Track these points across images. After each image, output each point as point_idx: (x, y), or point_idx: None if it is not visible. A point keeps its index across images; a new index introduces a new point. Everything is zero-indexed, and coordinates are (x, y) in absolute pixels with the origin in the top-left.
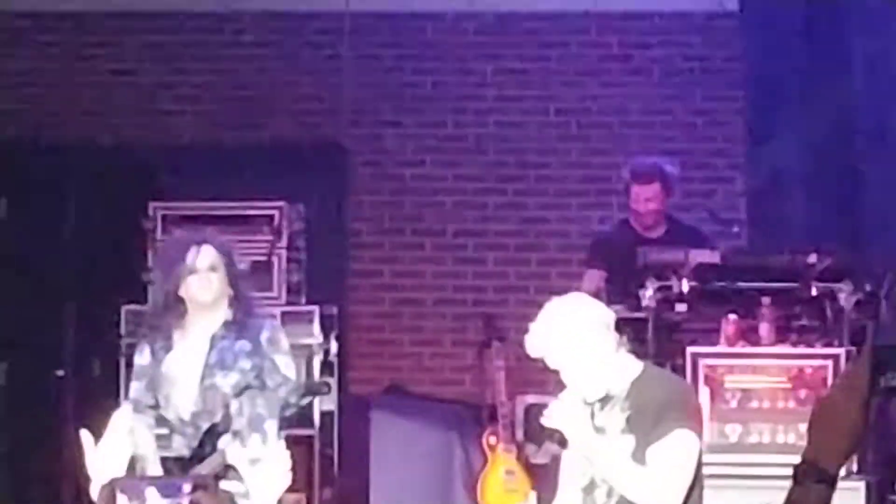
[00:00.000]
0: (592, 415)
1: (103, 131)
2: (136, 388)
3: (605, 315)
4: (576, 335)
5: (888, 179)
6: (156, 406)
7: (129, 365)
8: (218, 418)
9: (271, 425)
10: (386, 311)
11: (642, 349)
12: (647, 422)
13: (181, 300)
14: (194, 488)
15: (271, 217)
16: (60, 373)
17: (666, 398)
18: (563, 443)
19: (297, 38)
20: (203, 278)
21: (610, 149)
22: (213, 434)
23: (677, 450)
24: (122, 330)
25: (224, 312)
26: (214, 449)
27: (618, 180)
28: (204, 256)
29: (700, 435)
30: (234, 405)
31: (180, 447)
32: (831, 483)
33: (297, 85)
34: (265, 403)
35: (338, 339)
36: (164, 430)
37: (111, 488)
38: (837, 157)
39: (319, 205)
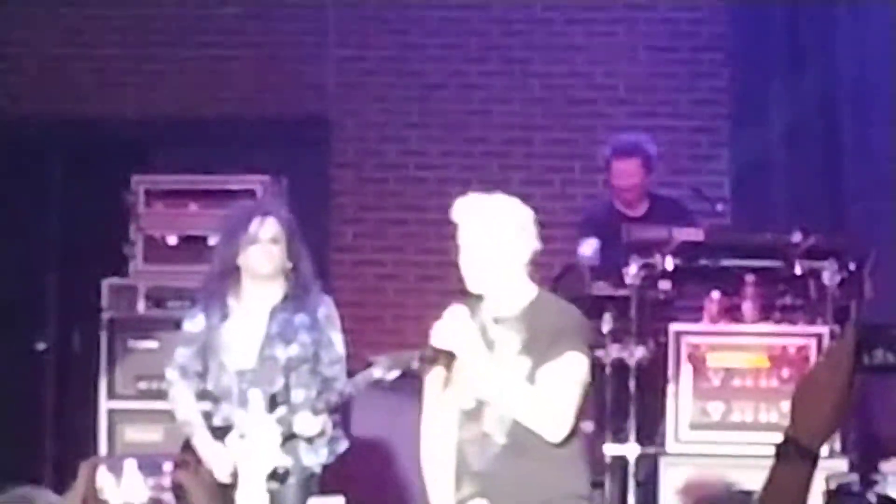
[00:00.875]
0: (485, 332)
1: (86, 104)
2: (184, 353)
3: (527, 218)
4: (502, 223)
5: (872, 159)
6: (202, 374)
7: (110, 339)
8: (276, 389)
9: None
10: (368, 286)
11: (626, 326)
12: (542, 345)
13: (238, 269)
14: (175, 466)
15: (254, 191)
16: (41, 346)
17: (562, 323)
18: (448, 366)
19: (281, 11)
20: (265, 249)
21: (594, 126)
22: (270, 406)
23: (571, 371)
24: (104, 303)
25: (282, 286)
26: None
27: (602, 158)
28: (267, 228)
29: (590, 358)
30: (291, 377)
31: (228, 416)
32: (814, 461)
33: (281, 59)
34: (316, 379)
35: None
36: (207, 405)
37: (93, 464)
38: (821, 136)
39: (303, 179)
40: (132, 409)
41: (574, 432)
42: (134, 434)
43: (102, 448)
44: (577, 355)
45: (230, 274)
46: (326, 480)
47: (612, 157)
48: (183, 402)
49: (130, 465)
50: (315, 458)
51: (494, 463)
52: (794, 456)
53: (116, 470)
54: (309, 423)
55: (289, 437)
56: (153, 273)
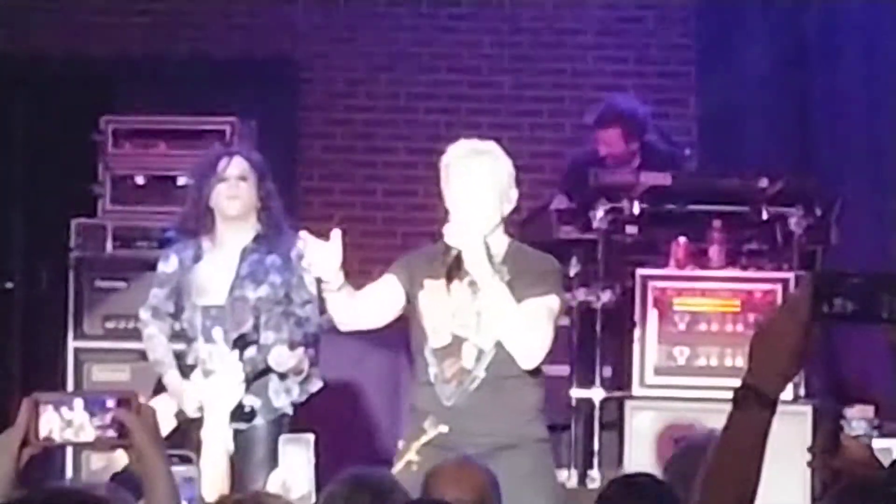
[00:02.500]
0: (468, 275)
1: (54, 42)
2: (157, 294)
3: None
4: (500, 172)
5: (840, 105)
6: (175, 315)
7: (78, 279)
8: (246, 329)
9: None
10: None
11: (592, 271)
12: (523, 285)
13: (211, 211)
14: (118, 403)
15: (223, 132)
16: (8, 285)
17: (544, 267)
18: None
19: None
20: (231, 187)
21: (564, 70)
22: (240, 344)
23: (549, 307)
24: (72, 243)
25: (253, 226)
26: (240, 359)
27: (571, 101)
28: (234, 166)
29: (563, 310)
30: (261, 318)
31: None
32: (771, 408)
33: None
34: (287, 320)
35: None
36: (181, 346)
37: (34, 401)
38: (791, 82)
39: (271, 120)
40: (99, 348)
41: (541, 380)
42: (101, 373)
43: (69, 388)
44: (555, 298)
45: (202, 215)
46: (296, 420)
47: (595, 126)
48: (156, 342)
49: (77, 402)
50: (286, 399)
51: (470, 398)
52: (752, 402)
53: (59, 403)
54: (284, 357)
55: (258, 377)
56: (121, 213)
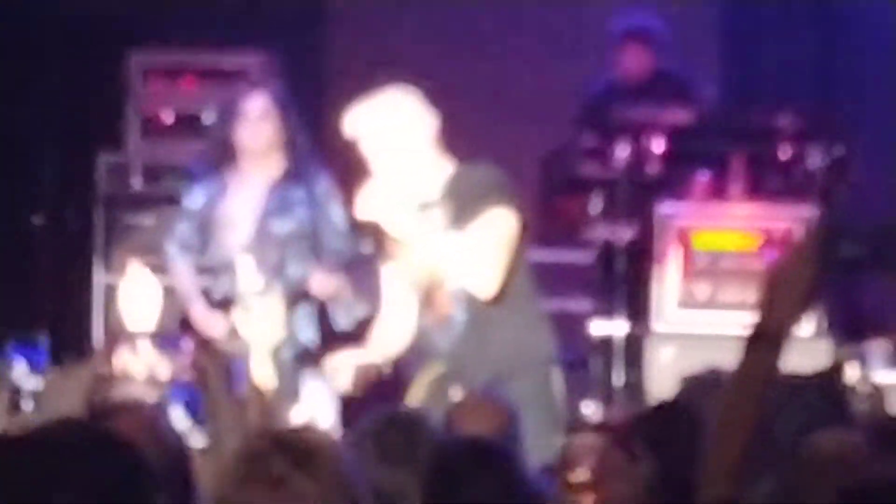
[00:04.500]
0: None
1: None
2: (183, 229)
3: (411, 102)
4: (388, 118)
5: (863, 40)
6: (202, 249)
7: (106, 215)
8: (273, 263)
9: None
10: (360, 167)
11: (614, 208)
12: (467, 213)
13: (234, 147)
14: (196, 347)
15: (250, 69)
16: (36, 221)
17: (480, 184)
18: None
19: None
20: (254, 125)
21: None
22: (268, 279)
23: (493, 226)
24: (99, 180)
25: (279, 161)
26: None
27: (594, 27)
28: (256, 103)
29: (518, 213)
30: (288, 252)
31: (227, 290)
32: (779, 349)
33: None
34: (313, 255)
35: None
36: (206, 280)
37: (112, 338)
38: (813, 18)
39: (298, 57)
40: None
41: (528, 296)
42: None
43: (99, 323)
44: (499, 212)
45: (226, 151)
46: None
47: (618, 42)
48: (182, 276)
49: (143, 342)
50: (310, 332)
51: (459, 343)
52: (760, 345)
53: (137, 345)
54: (325, 282)
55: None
56: (148, 149)
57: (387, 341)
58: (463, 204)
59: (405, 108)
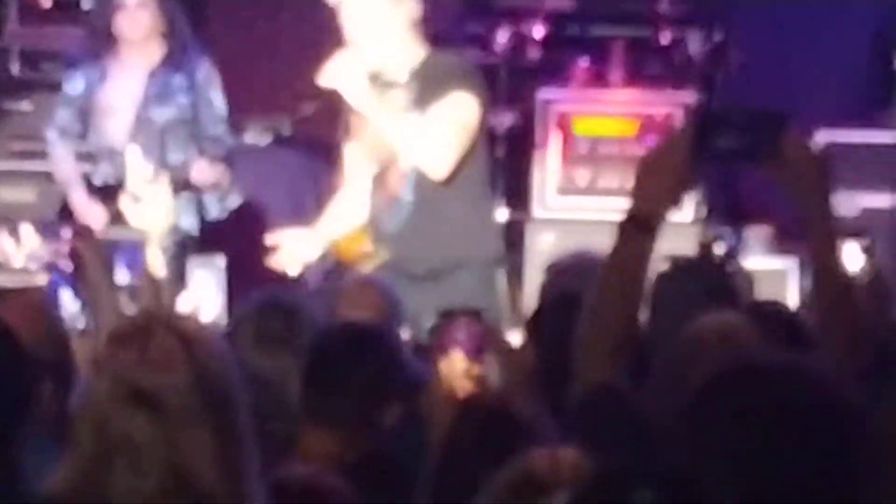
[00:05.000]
0: (375, 93)
1: None
2: (63, 115)
3: None
4: None
5: None
6: (82, 135)
7: None
8: (153, 150)
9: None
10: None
11: (494, 94)
12: (430, 96)
13: (114, 35)
14: (74, 234)
15: None
16: None
17: (448, 70)
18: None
19: None
20: (132, 13)
21: None
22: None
23: (454, 109)
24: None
25: (159, 47)
26: None
27: None
28: None
29: (482, 104)
30: (168, 138)
31: (107, 176)
32: (651, 235)
33: None
34: (194, 142)
35: None
36: (86, 166)
37: None
38: None
39: None
40: (6, 170)
41: (481, 192)
42: (7, 194)
43: None
44: (463, 96)
45: (105, 38)
46: (202, 242)
47: None
48: (62, 162)
49: (27, 228)
50: (190, 220)
51: (405, 225)
52: (633, 230)
53: (14, 232)
54: (206, 171)
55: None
56: (27, 35)
57: (340, 217)
58: (428, 86)
59: None
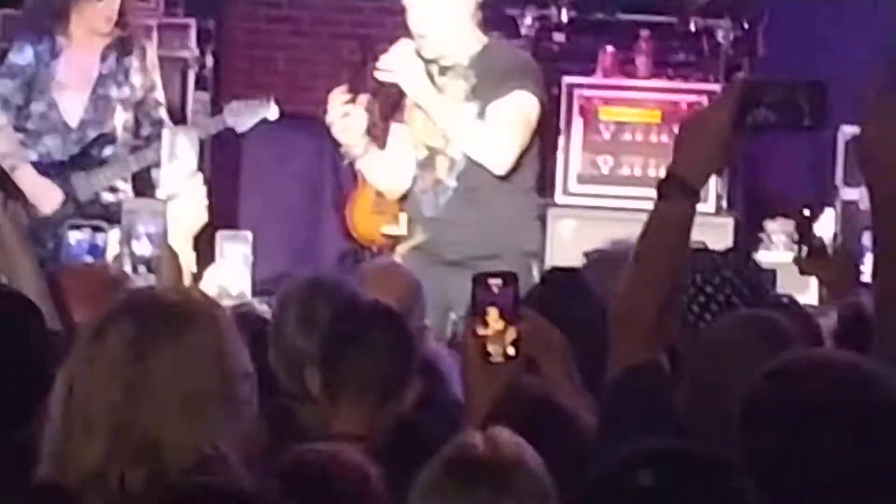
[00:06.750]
0: (432, 78)
1: None
2: (7, 85)
3: None
4: None
5: None
6: (21, 108)
7: None
8: (107, 129)
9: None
10: (262, 28)
11: None
12: (489, 88)
13: (66, 14)
14: None
15: None
16: None
17: (510, 65)
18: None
19: None
20: (109, 5)
21: None
22: (100, 144)
23: (515, 107)
24: None
25: (112, 28)
26: (100, 158)
27: None
28: None
29: (542, 102)
30: (124, 118)
31: (58, 152)
32: (694, 198)
33: None
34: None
35: (214, 54)
36: (20, 137)
37: None
38: None
39: None
40: None
41: (527, 185)
42: None
43: None
44: (524, 94)
45: (60, 14)
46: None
47: None
48: (4, 133)
49: None
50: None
51: (446, 208)
52: (676, 191)
53: None
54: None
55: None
56: None
57: (381, 174)
58: (487, 77)
59: None
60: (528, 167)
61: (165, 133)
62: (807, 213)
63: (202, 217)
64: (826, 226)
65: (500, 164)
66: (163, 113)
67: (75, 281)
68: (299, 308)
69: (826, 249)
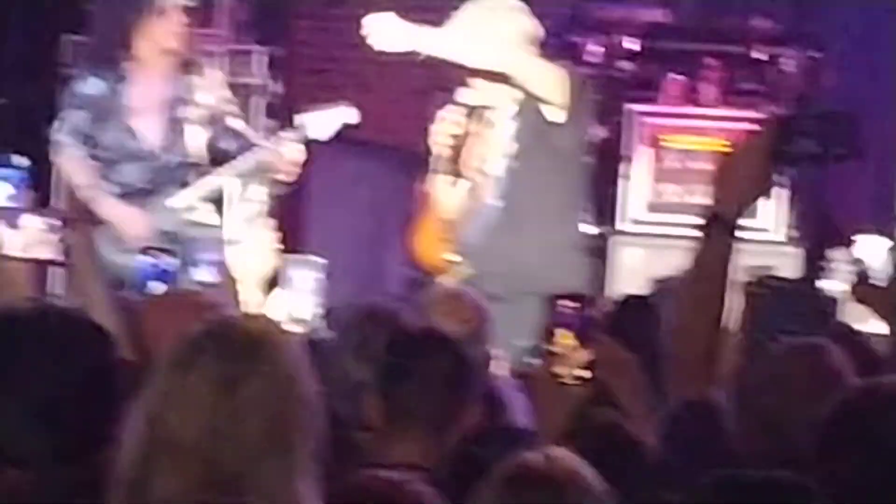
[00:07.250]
0: None
1: None
2: (79, 116)
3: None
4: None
5: None
6: (91, 138)
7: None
8: (186, 152)
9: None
10: (331, 55)
11: None
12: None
13: (128, 40)
14: (64, 224)
15: None
16: (2, 101)
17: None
18: None
19: None
20: (174, 20)
21: None
22: (182, 168)
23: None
24: (64, 59)
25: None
26: (183, 182)
27: None
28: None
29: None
30: (201, 137)
31: (139, 179)
32: (731, 232)
33: None
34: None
35: (282, 81)
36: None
37: None
38: None
39: None
40: None
41: (572, 216)
42: None
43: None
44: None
45: (127, 35)
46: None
47: None
48: (81, 165)
49: (28, 219)
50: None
51: (490, 236)
52: (714, 229)
53: (11, 219)
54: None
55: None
56: None
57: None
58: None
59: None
60: (569, 184)
61: (227, 178)
62: (855, 241)
63: (269, 263)
64: (881, 255)
65: (555, 92)
66: (240, 125)
67: (166, 309)
68: (355, 336)
69: (868, 278)
